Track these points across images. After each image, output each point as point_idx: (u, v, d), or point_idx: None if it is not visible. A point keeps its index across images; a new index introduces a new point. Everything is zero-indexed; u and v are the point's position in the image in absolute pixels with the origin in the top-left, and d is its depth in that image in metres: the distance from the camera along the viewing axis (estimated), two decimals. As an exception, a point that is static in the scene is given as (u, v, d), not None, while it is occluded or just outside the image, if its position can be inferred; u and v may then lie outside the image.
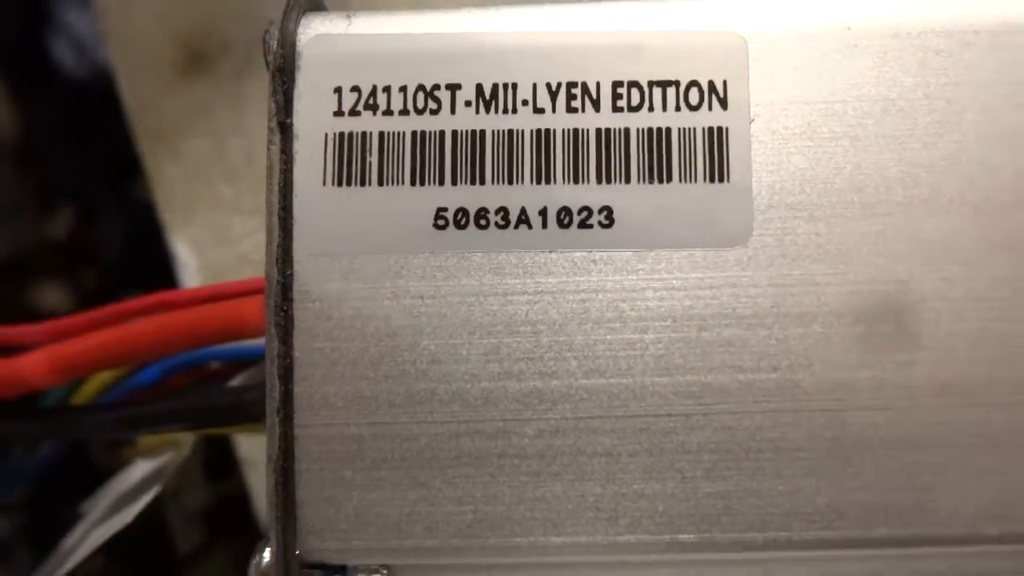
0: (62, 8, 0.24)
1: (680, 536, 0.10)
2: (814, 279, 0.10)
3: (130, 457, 0.17)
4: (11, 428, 0.16)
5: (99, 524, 0.16)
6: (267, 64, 0.11)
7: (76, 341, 0.14)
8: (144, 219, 0.22)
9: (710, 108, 0.10)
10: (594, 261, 0.10)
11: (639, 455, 0.10)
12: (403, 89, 0.10)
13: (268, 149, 0.11)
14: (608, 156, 0.10)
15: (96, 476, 0.20)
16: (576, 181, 0.10)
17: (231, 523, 0.24)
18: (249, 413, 0.14)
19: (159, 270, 0.20)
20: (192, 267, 0.20)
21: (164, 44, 0.20)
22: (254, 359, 0.16)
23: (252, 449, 0.19)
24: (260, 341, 0.15)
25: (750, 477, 0.10)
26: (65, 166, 0.25)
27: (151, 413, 0.15)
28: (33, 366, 0.15)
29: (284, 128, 0.11)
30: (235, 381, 0.15)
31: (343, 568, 0.10)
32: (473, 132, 0.10)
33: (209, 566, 0.23)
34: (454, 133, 0.10)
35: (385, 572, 0.10)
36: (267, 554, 0.10)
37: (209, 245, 0.20)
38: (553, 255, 0.10)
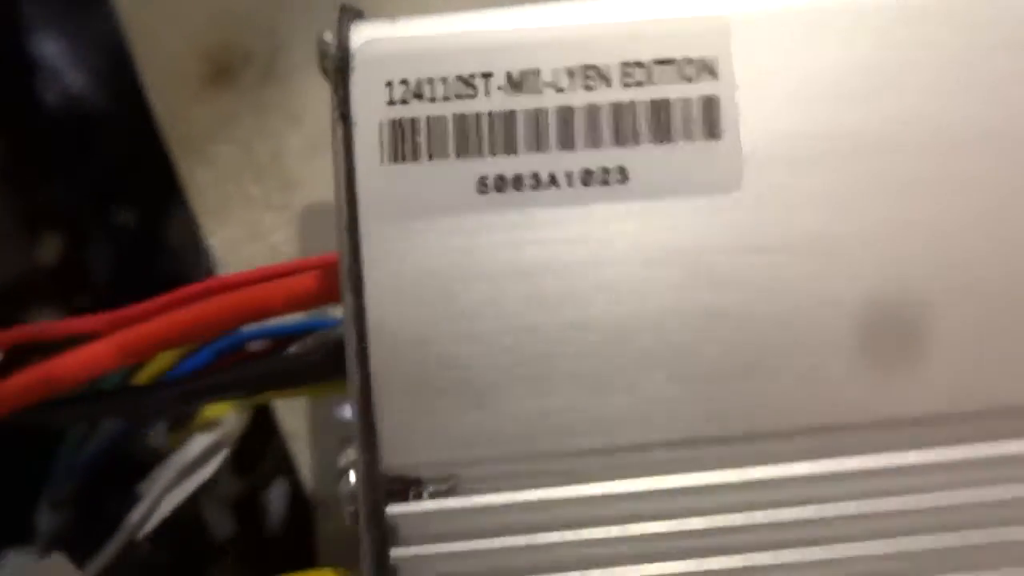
0: (38, 42, 0.25)
1: (703, 433, 0.12)
2: (798, 217, 0.12)
3: (184, 437, 0.19)
4: (80, 411, 0.18)
5: (168, 492, 0.18)
6: (322, 68, 0.13)
7: (137, 327, 0.16)
8: (129, 243, 0.24)
9: (702, 80, 0.12)
10: (614, 211, 0.12)
11: (663, 366, 0.12)
12: (443, 80, 0.12)
13: (332, 136, 0.13)
14: (620, 124, 0.12)
15: (141, 470, 0.21)
16: (595, 146, 0.12)
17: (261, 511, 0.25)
18: (312, 374, 0.16)
19: (149, 292, 0.22)
20: (227, 264, 0.22)
21: (191, 60, 0.22)
22: (297, 334, 0.18)
23: (295, 424, 0.21)
24: (298, 318, 0.17)
25: (758, 379, 0.12)
26: (48, 194, 0.26)
27: (219, 382, 0.17)
28: (97, 354, 0.17)
29: (345, 119, 0.12)
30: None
31: (418, 480, 0.12)
32: (505, 112, 0.12)
33: (240, 554, 0.24)
34: (489, 114, 0.12)
35: (452, 481, 0.12)
36: (353, 475, 0.12)
37: (243, 242, 0.21)
38: (579, 209, 0.12)
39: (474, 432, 0.12)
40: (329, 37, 0.13)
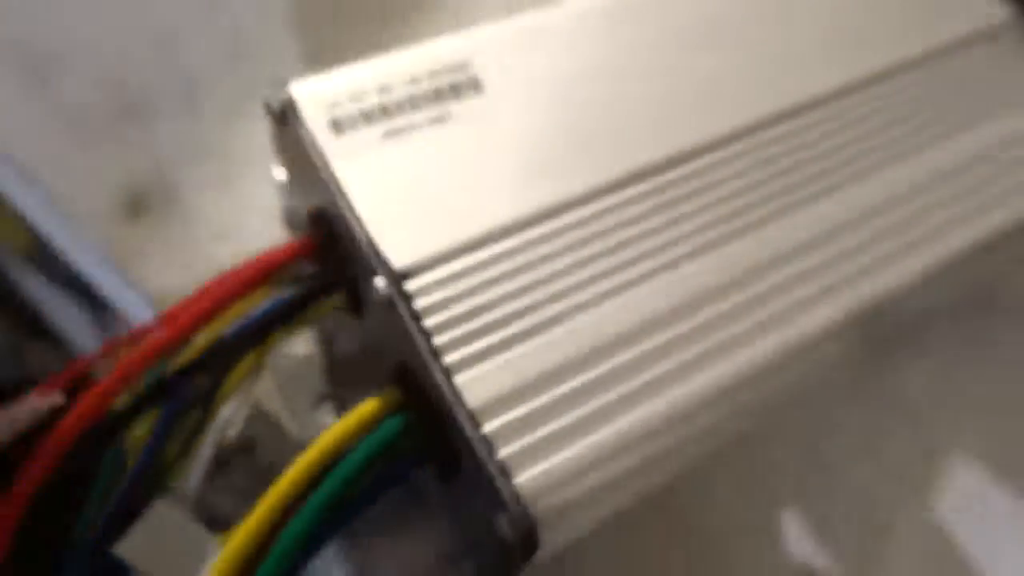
0: None
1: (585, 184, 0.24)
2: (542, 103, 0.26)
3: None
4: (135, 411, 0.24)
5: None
6: (273, 112, 0.24)
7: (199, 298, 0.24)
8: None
9: (467, 75, 0.26)
10: (455, 129, 0.25)
11: (543, 158, 0.24)
12: (348, 97, 0.24)
13: (301, 132, 0.23)
14: (439, 98, 0.25)
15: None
16: (432, 105, 0.25)
17: None
18: (300, 304, 0.25)
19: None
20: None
21: (104, 199, 0.30)
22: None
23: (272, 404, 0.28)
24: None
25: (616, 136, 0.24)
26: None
27: (235, 343, 0.24)
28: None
29: (301, 124, 0.24)
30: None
31: (415, 267, 0.22)
32: (382, 104, 0.25)
33: None
34: (376, 106, 0.24)
35: (436, 259, 0.22)
36: (379, 279, 0.22)
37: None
38: (436, 129, 0.24)
39: (441, 229, 0.23)
40: (274, 98, 0.24)
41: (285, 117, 0.24)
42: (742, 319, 0.24)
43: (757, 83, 0.28)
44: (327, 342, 0.29)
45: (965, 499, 0.32)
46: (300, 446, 0.27)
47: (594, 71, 0.27)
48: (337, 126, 0.24)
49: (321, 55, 0.35)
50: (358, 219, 0.23)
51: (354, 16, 0.36)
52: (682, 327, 0.23)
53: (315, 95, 0.24)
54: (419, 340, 0.22)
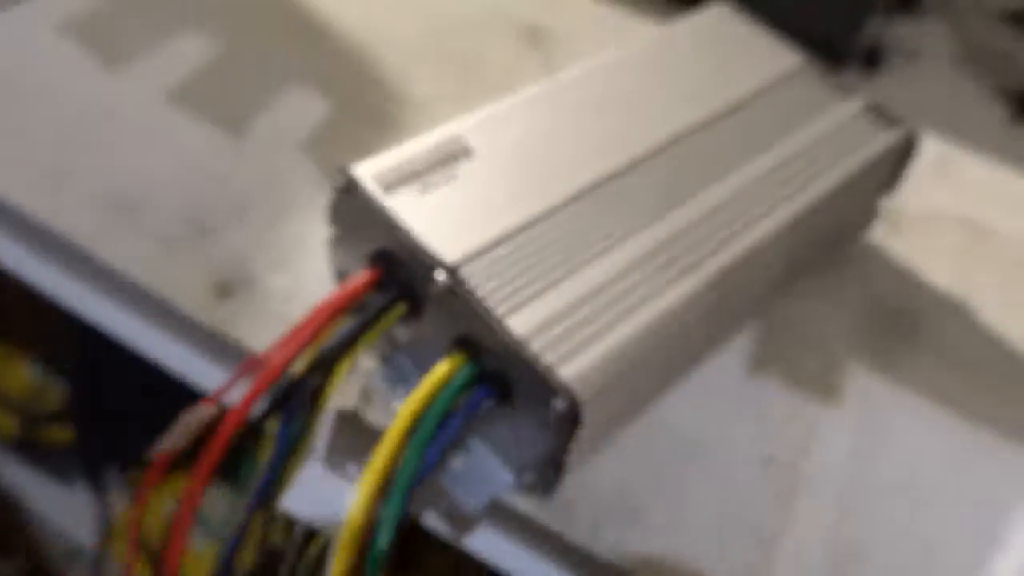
0: None
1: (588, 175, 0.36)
2: (520, 159, 0.38)
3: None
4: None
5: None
6: (340, 188, 0.36)
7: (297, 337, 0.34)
8: None
9: (462, 145, 0.38)
10: (463, 177, 0.37)
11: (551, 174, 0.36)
12: (390, 169, 0.36)
13: (365, 196, 0.35)
14: (448, 158, 0.37)
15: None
16: (442, 167, 0.37)
17: None
18: (375, 318, 0.35)
19: None
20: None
21: (199, 291, 0.40)
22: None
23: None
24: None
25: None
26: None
27: (334, 349, 0.34)
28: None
29: (365, 190, 0.35)
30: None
31: (461, 258, 0.33)
32: (411, 171, 0.36)
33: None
34: (408, 172, 0.36)
35: (478, 248, 0.34)
36: (439, 273, 0.33)
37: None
38: (452, 184, 0.36)
39: (472, 235, 0.34)
40: (340, 177, 0.36)
41: (350, 190, 0.36)
42: (678, 262, 0.36)
43: (650, 125, 0.42)
44: (387, 355, 0.39)
45: (860, 395, 0.44)
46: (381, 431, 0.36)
47: (545, 130, 0.40)
48: (388, 188, 0.36)
49: (327, 167, 0.47)
50: (416, 240, 0.34)
51: (347, 140, 0.49)
52: (644, 270, 0.35)
53: (369, 172, 0.36)
54: (476, 305, 0.32)
